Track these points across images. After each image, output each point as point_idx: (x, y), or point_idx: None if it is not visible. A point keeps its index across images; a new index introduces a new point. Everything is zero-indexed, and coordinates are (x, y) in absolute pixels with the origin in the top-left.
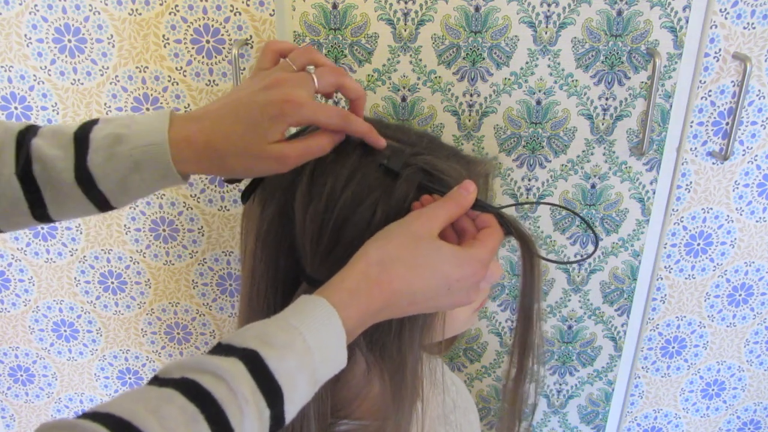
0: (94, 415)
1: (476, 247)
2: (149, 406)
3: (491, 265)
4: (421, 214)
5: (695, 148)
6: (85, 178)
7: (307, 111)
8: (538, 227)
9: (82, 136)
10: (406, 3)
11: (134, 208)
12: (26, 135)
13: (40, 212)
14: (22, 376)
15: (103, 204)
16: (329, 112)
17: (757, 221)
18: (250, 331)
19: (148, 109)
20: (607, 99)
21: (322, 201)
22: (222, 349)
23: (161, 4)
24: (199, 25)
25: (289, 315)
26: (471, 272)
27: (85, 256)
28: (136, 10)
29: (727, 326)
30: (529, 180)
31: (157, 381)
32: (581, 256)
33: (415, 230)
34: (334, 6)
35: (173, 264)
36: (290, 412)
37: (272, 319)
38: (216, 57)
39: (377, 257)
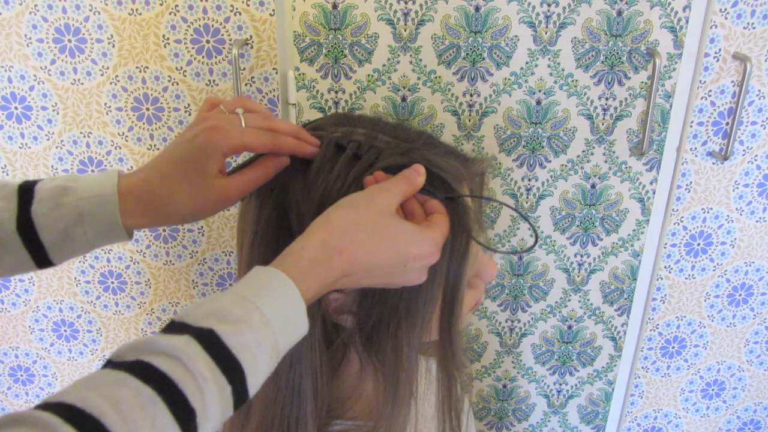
0: (46, 405)
1: (433, 229)
2: (102, 391)
3: (486, 263)
4: (383, 188)
5: (695, 148)
6: (26, 228)
7: (233, 134)
8: (538, 227)
9: (26, 187)
10: (406, 3)
11: None
12: None
13: None
14: (22, 376)
15: (41, 258)
16: (256, 132)
17: (757, 221)
18: (202, 307)
19: (148, 109)
20: (607, 99)
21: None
22: (175, 327)
23: (161, 4)
24: (199, 25)
25: (243, 288)
26: (428, 252)
27: (85, 256)
28: (136, 10)
29: (727, 326)
30: (529, 180)
31: (111, 364)
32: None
33: (379, 202)
34: (334, 6)
35: (173, 264)
36: (254, 386)
37: (225, 293)
38: (216, 57)
39: (340, 224)
